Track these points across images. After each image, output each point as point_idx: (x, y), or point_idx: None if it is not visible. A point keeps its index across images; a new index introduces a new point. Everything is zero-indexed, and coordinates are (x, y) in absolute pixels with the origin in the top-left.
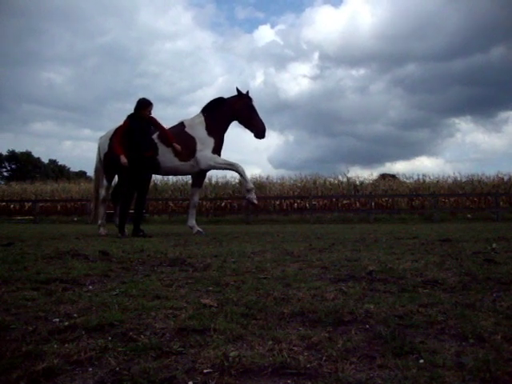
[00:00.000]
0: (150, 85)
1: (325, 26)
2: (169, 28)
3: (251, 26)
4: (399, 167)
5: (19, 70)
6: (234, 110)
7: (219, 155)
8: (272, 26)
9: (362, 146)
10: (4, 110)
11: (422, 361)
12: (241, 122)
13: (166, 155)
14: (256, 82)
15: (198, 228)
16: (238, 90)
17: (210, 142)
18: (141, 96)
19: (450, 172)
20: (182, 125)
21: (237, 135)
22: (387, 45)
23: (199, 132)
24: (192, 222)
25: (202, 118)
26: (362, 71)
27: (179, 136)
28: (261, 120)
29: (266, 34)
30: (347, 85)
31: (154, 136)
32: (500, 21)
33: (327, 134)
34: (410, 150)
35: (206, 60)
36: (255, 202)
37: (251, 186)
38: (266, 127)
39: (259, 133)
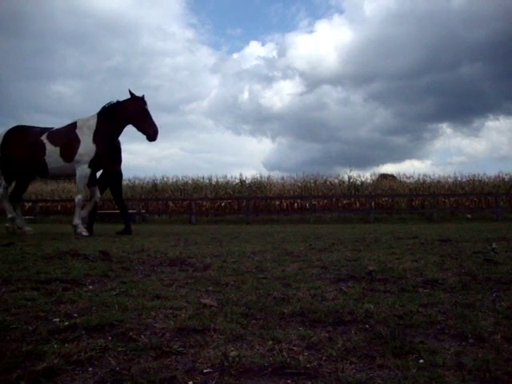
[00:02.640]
0: (151, 96)
1: (302, 49)
2: (168, 46)
3: (242, 43)
4: (392, 169)
5: (31, 84)
6: (128, 113)
7: (103, 161)
8: (261, 45)
9: (350, 149)
10: (16, 118)
11: (421, 361)
12: (134, 126)
13: (52, 155)
14: (245, 95)
15: (82, 228)
16: (130, 92)
17: (92, 150)
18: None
19: (439, 174)
20: (74, 125)
21: (233, 140)
22: (356, 66)
23: (86, 137)
24: (77, 220)
25: (95, 121)
26: (339, 88)
27: (67, 136)
28: (154, 123)
29: (254, 53)
30: (329, 98)
31: (44, 136)
32: (464, 41)
33: (316, 140)
34: (397, 154)
35: (201, 73)
36: (84, 234)
37: (77, 221)
38: (159, 130)
39: (151, 136)
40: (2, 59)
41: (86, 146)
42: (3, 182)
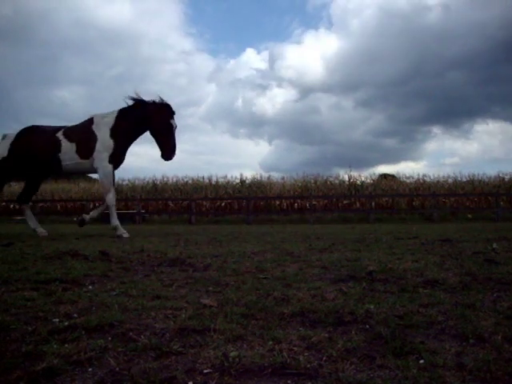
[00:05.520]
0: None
1: (295, 58)
2: (167, 54)
3: (238, 51)
4: (387, 170)
5: (36, 91)
6: (149, 120)
7: (119, 160)
8: (257, 53)
9: (345, 151)
10: (21, 122)
11: (422, 361)
12: (153, 136)
13: (68, 152)
14: (241, 101)
15: (122, 230)
16: (161, 98)
17: (110, 145)
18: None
19: (438, 174)
20: (90, 121)
21: (232, 143)
22: (343, 75)
23: (103, 131)
24: (114, 221)
25: (114, 117)
26: (331, 93)
27: (83, 132)
28: (174, 141)
29: (250, 60)
30: (322, 105)
31: (59, 133)
32: (448, 49)
33: (311, 142)
34: (391, 156)
35: (199, 80)
36: (125, 235)
37: (115, 222)
38: (176, 149)
39: (167, 155)
40: (10, 67)
41: (104, 142)
42: None
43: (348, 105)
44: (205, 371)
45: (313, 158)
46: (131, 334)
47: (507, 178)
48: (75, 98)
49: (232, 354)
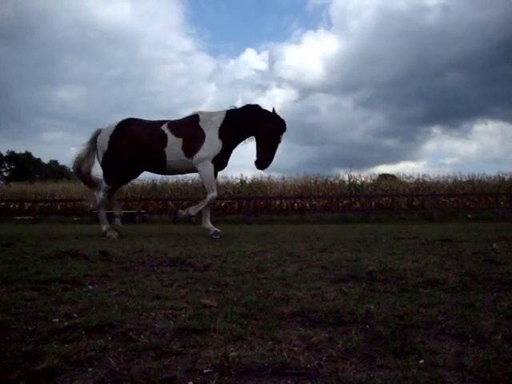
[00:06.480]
0: (150, 101)
1: (295, 59)
2: (167, 55)
3: (238, 51)
4: (387, 170)
5: (36, 91)
6: (259, 126)
7: (223, 163)
8: (257, 53)
9: (345, 151)
10: (20, 122)
11: (422, 361)
12: (257, 142)
13: (173, 147)
14: (240, 102)
15: (215, 229)
16: (274, 111)
17: (218, 145)
18: (144, 110)
19: (438, 174)
20: (195, 117)
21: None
22: (343, 75)
23: (211, 130)
24: (206, 222)
25: (222, 117)
26: (331, 94)
27: (190, 128)
28: (273, 154)
29: (249, 61)
30: (322, 105)
31: (164, 126)
32: (447, 50)
33: (311, 143)
34: (391, 156)
35: (198, 80)
36: (191, 213)
37: (192, 213)
38: (271, 163)
39: (262, 164)
40: (9, 67)
41: (212, 141)
42: (104, 184)
43: (348, 105)
44: (205, 371)
45: (313, 159)
46: (131, 333)
47: (507, 178)
48: (74, 99)
49: (232, 354)
